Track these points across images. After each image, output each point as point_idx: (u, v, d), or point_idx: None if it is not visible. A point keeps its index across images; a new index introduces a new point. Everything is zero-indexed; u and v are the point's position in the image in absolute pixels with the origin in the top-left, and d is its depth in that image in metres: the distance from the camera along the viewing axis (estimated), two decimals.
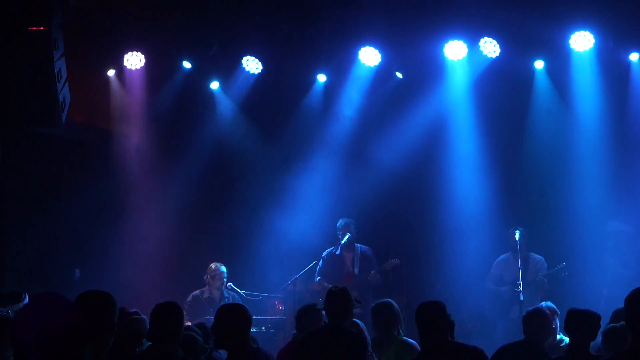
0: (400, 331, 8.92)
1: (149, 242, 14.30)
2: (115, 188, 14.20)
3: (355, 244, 13.38)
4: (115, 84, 14.23)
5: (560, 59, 13.41)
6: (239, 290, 12.98)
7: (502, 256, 13.20)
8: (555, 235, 13.61)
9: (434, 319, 7.13)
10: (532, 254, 13.16)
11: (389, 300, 9.21)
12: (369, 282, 13.06)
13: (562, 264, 12.86)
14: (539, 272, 12.94)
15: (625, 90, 13.54)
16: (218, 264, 13.00)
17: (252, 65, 14.17)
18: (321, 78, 14.43)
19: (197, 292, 12.95)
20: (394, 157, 14.48)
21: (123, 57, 13.91)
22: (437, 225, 14.48)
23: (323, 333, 7.89)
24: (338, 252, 13.29)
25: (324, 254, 13.34)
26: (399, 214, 14.84)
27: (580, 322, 7.48)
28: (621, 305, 6.61)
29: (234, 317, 6.96)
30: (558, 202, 13.86)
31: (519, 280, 12.51)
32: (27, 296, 8.96)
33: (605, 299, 12.72)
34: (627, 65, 13.39)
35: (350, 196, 14.47)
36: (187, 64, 13.96)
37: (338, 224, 13.42)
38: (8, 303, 8.80)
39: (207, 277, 12.98)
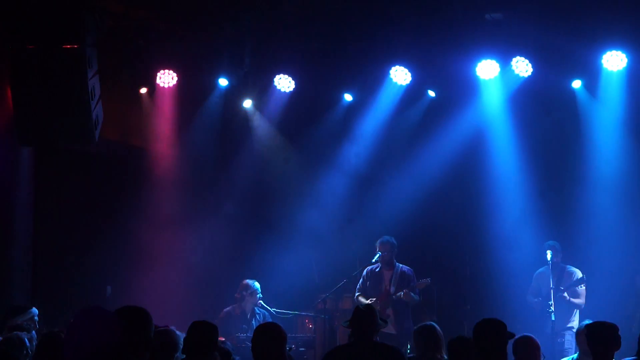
0: (444, 355, 8.86)
1: (181, 260, 14.34)
2: (149, 206, 14.25)
3: (397, 263, 13.21)
4: (147, 102, 14.30)
5: (593, 78, 13.37)
6: (269, 308, 12.96)
7: (540, 269, 12.99)
8: (589, 252, 13.51)
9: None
10: (569, 267, 12.94)
11: (431, 323, 9.20)
12: (404, 300, 12.93)
13: (582, 276, 12.67)
14: (571, 285, 12.74)
15: None
16: (252, 281, 12.97)
17: (284, 83, 14.23)
18: (351, 97, 14.51)
19: (229, 308, 12.91)
20: (427, 177, 14.49)
21: (156, 75, 13.99)
22: (469, 244, 14.45)
23: (355, 347, 8.05)
24: (378, 269, 13.19)
25: (365, 271, 13.25)
26: (432, 233, 14.79)
27: (599, 335, 7.53)
28: None
29: (271, 335, 7.20)
30: (594, 218, 13.77)
31: (551, 299, 12.38)
32: (33, 308, 9.53)
33: (638, 320, 12.62)
34: None
35: (382, 215, 14.46)
36: (223, 82, 13.99)
37: (378, 242, 13.30)
38: (16, 314, 9.38)
39: (240, 294, 12.93)
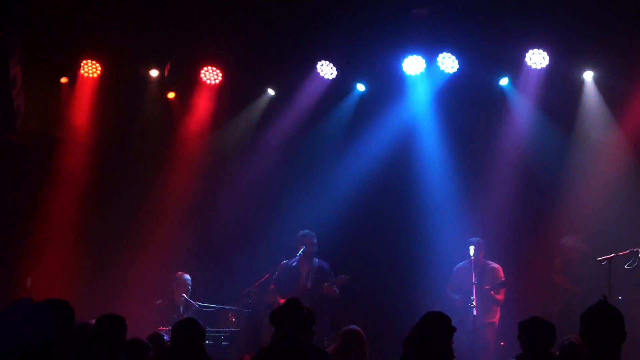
0: None
1: (100, 250, 14.21)
2: (69, 197, 14.07)
3: (314, 258, 13.29)
4: (70, 93, 14.10)
5: (517, 75, 13.56)
6: (193, 302, 12.94)
7: (461, 263, 13.17)
8: (510, 248, 13.70)
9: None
10: (489, 262, 13.12)
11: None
12: (325, 294, 12.95)
13: (505, 279, 12.88)
14: (492, 282, 12.94)
15: (577, 107, 13.74)
16: (183, 273, 13.06)
17: (211, 75, 14.14)
18: (276, 91, 14.48)
19: (159, 300, 12.97)
20: (353, 172, 14.56)
21: (79, 65, 13.80)
22: (395, 239, 14.52)
23: (281, 350, 7.39)
24: (295, 264, 13.21)
25: (282, 264, 13.28)
26: (357, 228, 14.81)
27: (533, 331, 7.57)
28: (572, 321, 6.69)
29: (187, 331, 7.39)
30: (517, 214, 13.96)
31: (473, 295, 12.52)
32: None
33: (556, 316, 12.80)
34: (580, 83, 13.58)
35: (307, 210, 14.44)
36: (153, 73, 13.82)
37: (297, 235, 13.36)
38: None
39: (173, 285, 13.04)
